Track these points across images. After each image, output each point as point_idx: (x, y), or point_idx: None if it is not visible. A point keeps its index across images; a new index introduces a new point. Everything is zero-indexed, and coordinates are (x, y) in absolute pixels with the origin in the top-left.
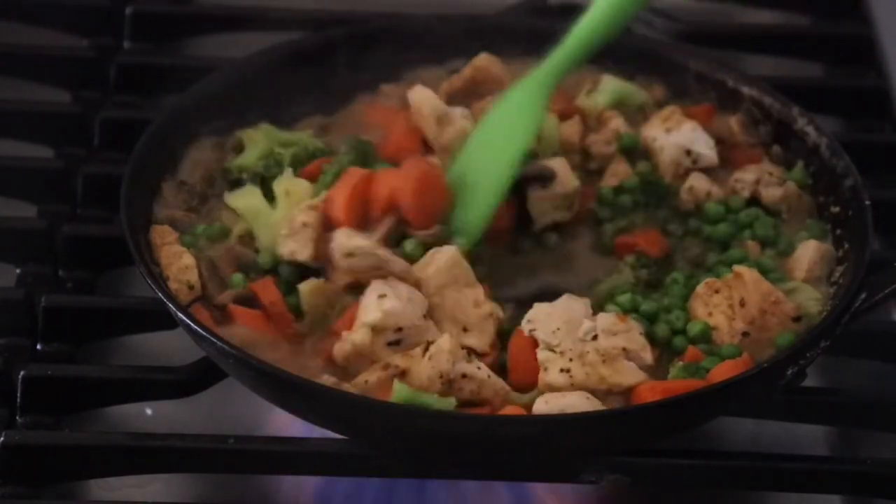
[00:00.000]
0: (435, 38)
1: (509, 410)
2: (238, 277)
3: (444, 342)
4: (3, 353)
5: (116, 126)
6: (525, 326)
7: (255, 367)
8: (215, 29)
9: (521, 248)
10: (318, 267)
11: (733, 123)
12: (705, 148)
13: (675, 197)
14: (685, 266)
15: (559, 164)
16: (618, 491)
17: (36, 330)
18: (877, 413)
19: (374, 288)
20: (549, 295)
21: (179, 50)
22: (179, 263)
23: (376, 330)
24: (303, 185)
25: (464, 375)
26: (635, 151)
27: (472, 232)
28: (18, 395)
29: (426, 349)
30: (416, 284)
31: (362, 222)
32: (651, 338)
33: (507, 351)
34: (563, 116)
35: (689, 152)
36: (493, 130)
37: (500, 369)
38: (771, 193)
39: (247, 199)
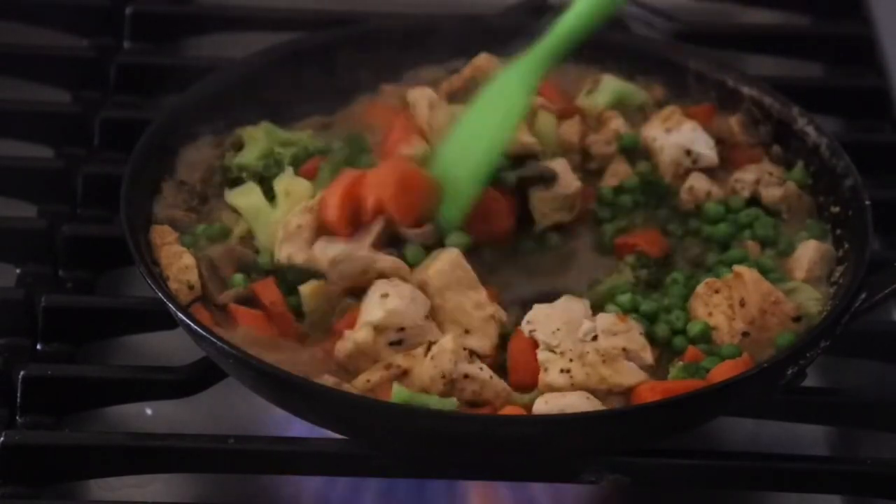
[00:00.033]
0: (435, 38)
1: (509, 410)
2: (239, 277)
3: (446, 342)
4: (3, 353)
5: (116, 126)
6: (525, 327)
7: (255, 367)
8: (215, 29)
9: (521, 250)
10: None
11: (733, 123)
12: (705, 148)
13: (675, 197)
14: (685, 266)
15: (560, 166)
16: (618, 491)
17: (36, 330)
18: (877, 413)
19: (377, 287)
20: (550, 296)
21: (179, 50)
22: (179, 263)
23: (378, 329)
24: (303, 185)
25: (466, 376)
26: (635, 151)
27: (455, 214)
28: (18, 395)
29: (428, 349)
30: (421, 286)
31: (355, 225)
32: (651, 338)
33: (506, 352)
34: (563, 116)
35: (689, 152)
36: (479, 114)
37: (500, 370)
38: (771, 193)
39: (247, 198)
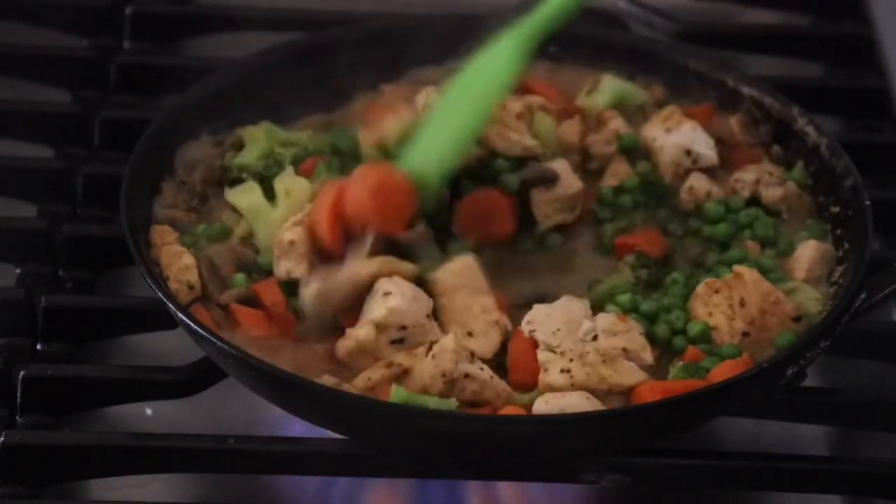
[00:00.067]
0: (435, 38)
1: (509, 410)
2: (240, 277)
3: (447, 341)
4: (3, 353)
5: (116, 126)
6: (525, 327)
7: (255, 367)
8: (215, 29)
9: (521, 250)
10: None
11: (733, 123)
12: (705, 148)
13: (675, 197)
14: (685, 266)
15: (561, 166)
16: (618, 491)
17: (36, 330)
18: (877, 413)
19: (380, 286)
20: (550, 296)
21: (179, 50)
22: (179, 263)
23: (380, 327)
24: (303, 185)
25: (466, 375)
26: (635, 151)
27: (433, 173)
28: (18, 395)
29: (429, 348)
30: (429, 283)
31: (347, 238)
32: (651, 338)
33: (506, 352)
34: (563, 116)
35: (689, 152)
36: (469, 80)
37: (500, 370)
38: (771, 193)
39: (247, 197)
